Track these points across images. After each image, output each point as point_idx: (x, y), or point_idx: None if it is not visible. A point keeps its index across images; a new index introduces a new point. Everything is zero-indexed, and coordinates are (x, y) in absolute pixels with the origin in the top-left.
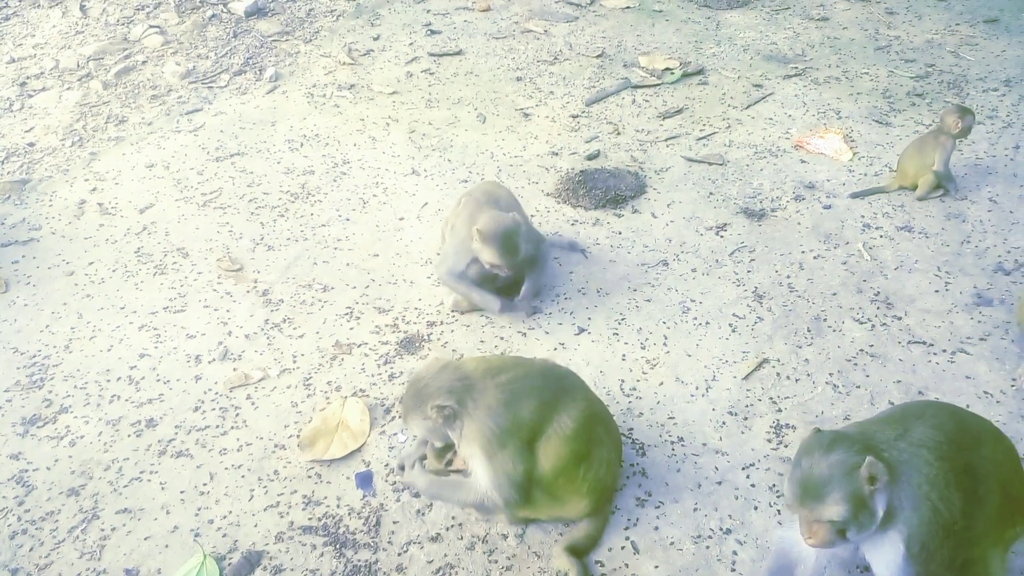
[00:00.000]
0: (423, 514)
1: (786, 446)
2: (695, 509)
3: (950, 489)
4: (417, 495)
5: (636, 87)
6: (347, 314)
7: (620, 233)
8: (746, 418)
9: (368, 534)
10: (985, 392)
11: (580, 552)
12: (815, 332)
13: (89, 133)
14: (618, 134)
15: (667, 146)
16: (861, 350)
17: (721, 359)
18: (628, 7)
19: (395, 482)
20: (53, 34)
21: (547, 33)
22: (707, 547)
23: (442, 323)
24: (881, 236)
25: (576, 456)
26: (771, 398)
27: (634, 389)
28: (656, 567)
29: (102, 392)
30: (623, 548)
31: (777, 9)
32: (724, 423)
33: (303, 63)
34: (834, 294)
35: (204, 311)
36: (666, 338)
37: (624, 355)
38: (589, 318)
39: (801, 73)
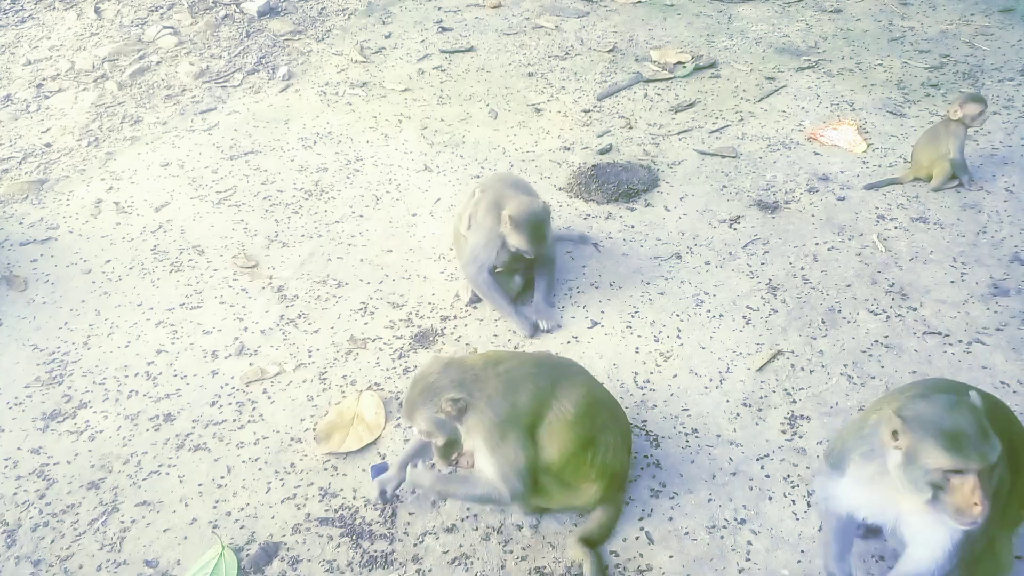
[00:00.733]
0: (438, 506)
1: (800, 437)
2: (709, 500)
3: (1003, 463)
4: (422, 493)
5: (648, 81)
6: (361, 309)
7: (633, 227)
8: (760, 409)
9: (384, 525)
10: (1002, 382)
11: (594, 542)
12: (829, 324)
13: (105, 133)
14: (630, 128)
15: (679, 140)
16: (876, 341)
17: (735, 351)
18: (639, 1)
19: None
20: (68, 36)
21: (558, 28)
22: (721, 537)
23: (455, 317)
24: (896, 227)
25: (581, 441)
26: (785, 389)
27: (648, 381)
28: (671, 557)
29: (120, 387)
30: (637, 538)
31: (789, 1)
32: (738, 414)
33: (315, 62)
34: (848, 285)
35: (220, 307)
36: (680, 331)
37: (638, 348)
38: (602, 311)
39: (814, 65)
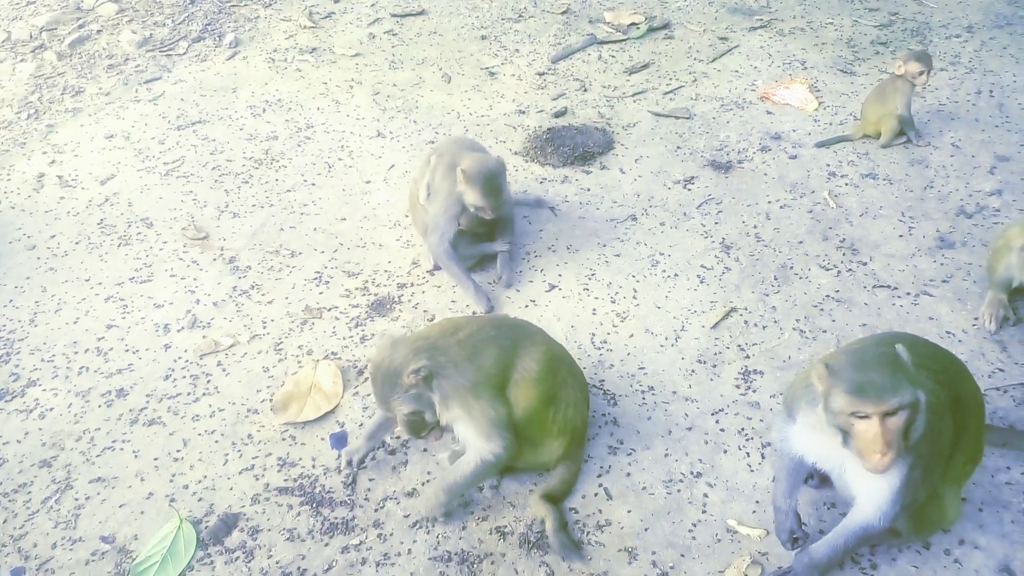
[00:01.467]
0: (398, 471)
1: (754, 391)
2: (666, 455)
3: (944, 417)
4: (439, 510)
5: (602, 43)
6: (316, 279)
7: (589, 190)
8: (715, 366)
9: (345, 492)
10: (948, 332)
11: (555, 499)
12: (782, 280)
13: (45, 105)
14: (585, 91)
15: (634, 101)
16: (827, 296)
17: (690, 310)
18: None
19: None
20: (2, 5)
21: None
22: (678, 490)
23: (413, 285)
24: (846, 184)
25: (545, 397)
26: (739, 345)
27: (605, 342)
28: (629, 511)
29: (70, 364)
30: (596, 495)
31: None
32: (693, 371)
33: (263, 28)
34: (800, 242)
35: (171, 280)
36: (636, 291)
37: (595, 309)
38: (560, 275)
39: (766, 25)
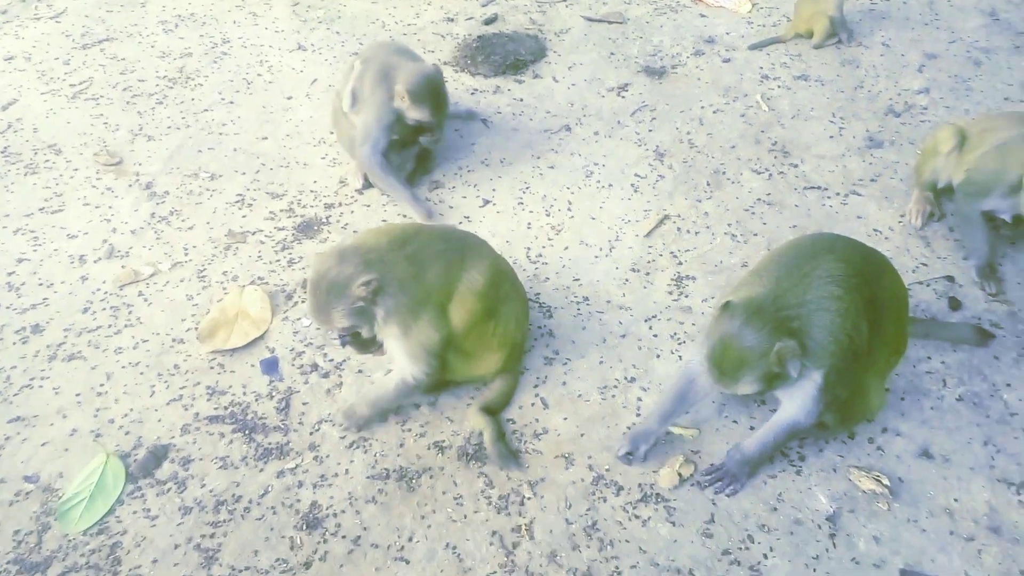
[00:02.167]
0: (333, 393)
1: (687, 296)
2: (600, 362)
3: (859, 319)
4: (358, 421)
5: None
6: (238, 201)
7: (522, 100)
8: (648, 273)
9: (278, 417)
10: (875, 230)
11: (493, 410)
12: (714, 185)
13: None
14: None
15: (566, 7)
16: (759, 199)
17: (624, 219)
18: None
19: (302, 365)
20: None
21: None
22: (613, 396)
23: (341, 204)
24: (779, 86)
25: (487, 311)
26: (672, 252)
27: (540, 255)
28: (565, 419)
29: None
30: (533, 405)
31: None
32: (627, 280)
33: None
34: (733, 147)
35: (84, 209)
36: (570, 203)
37: (530, 223)
38: (493, 189)
39: None
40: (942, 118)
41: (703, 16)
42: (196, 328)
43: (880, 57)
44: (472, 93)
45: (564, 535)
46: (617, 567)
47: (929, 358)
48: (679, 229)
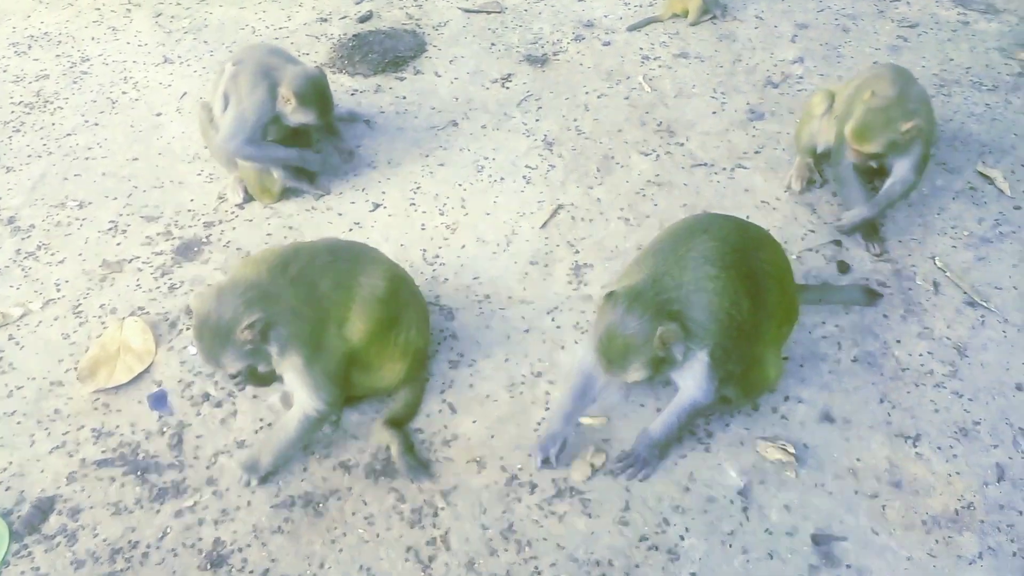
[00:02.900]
0: (228, 422)
1: (586, 284)
2: (506, 360)
3: (739, 295)
4: (261, 471)
5: None
6: (111, 229)
7: (405, 98)
8: (547, 265)
9: (171, 453)
10: (763, 201)
11: (400, 422)
12: (604, 171)
13: None
14: None
15: None
16: (649, 181)
17: (519, 212)
18: None
19: (192, 396)
20: None
21: None
22: (521, 392)
23: (221, 222)
24: (660, 66)
25: (387, 322)
26: (568, 241)
27: (437, 256)
28: (474, 422)
29: None
30: (440, 411)
31: None
32: (527, 273)
33: None
34: (619, 131)
35: None
36: (464, 200)
37: (423, 224)
38: (383, 192)
39: None
40: (817, 85)
41: (581, 0)
42: (75, 368)
43: (755, 30)
44: (352, 94)
45: (481, 541)
46: (536, 567)
47: (824, 323)
48: (573, 218)
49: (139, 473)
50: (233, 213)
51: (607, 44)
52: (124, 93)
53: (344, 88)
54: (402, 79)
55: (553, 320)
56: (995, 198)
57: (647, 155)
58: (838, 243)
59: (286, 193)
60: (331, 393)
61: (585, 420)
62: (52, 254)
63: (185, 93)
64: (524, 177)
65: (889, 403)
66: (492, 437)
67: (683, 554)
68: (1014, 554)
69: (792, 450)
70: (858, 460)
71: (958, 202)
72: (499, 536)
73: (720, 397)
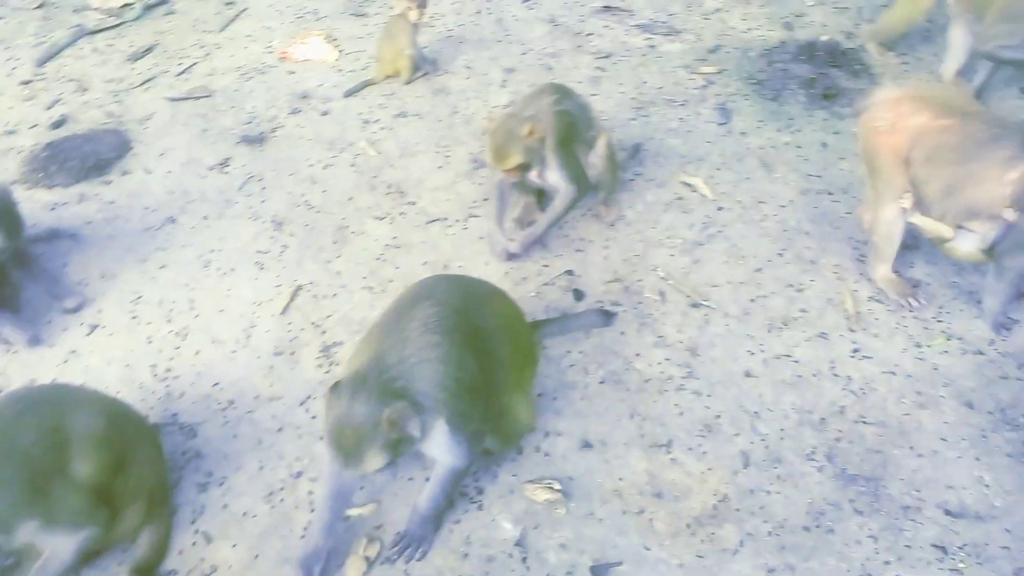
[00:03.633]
0: None
1: (337, 365)
2: (260, 468)
3: (464, 355)
4: None
5: (94, 32)
6: None
7: (113, 202)
8: (293, 352)
9: None
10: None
11: (149, 569)
12: (341, 242)
13: None
14: (84, 91)
15: (145, 91)
16: (387, 245)
17: (255, 302)
18: None
19: None
20: None
21: None
22: (282, 500)
23: None
24: (381, 128)
25: (110, 468)
26: (313, 323)
27: (169, 370)
28: (234, 546)
29: None
30: (194, 544)
31: None
32: (272, 367)
33: None
34: (350, 199)
35: None
36: (192, 301)
37: (150, 337)
38: (99, 310)
39: None
40: None
41: (292, 72)
42: None
43: (466, 80)
44: (52, 209)
45: None
46: None
47: (569, 351)
48: (315, 296)
49: None
50: None
51: (325, 113)
52: None
53: (42, 204)
54: (108, 183)
55: (307, 411)
56: (699, 203)
57: (381, 219)
58: (570, 272)
59: None
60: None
61: (353, 512)
62: None
63: None
64: (257, 263)
65: (639, 416)
66: (256, 558)
67: None
68: (769, 534)
69: (558, 487)
70: (620, 480)
71: (669, 213)
72: None
73: (482, 451)
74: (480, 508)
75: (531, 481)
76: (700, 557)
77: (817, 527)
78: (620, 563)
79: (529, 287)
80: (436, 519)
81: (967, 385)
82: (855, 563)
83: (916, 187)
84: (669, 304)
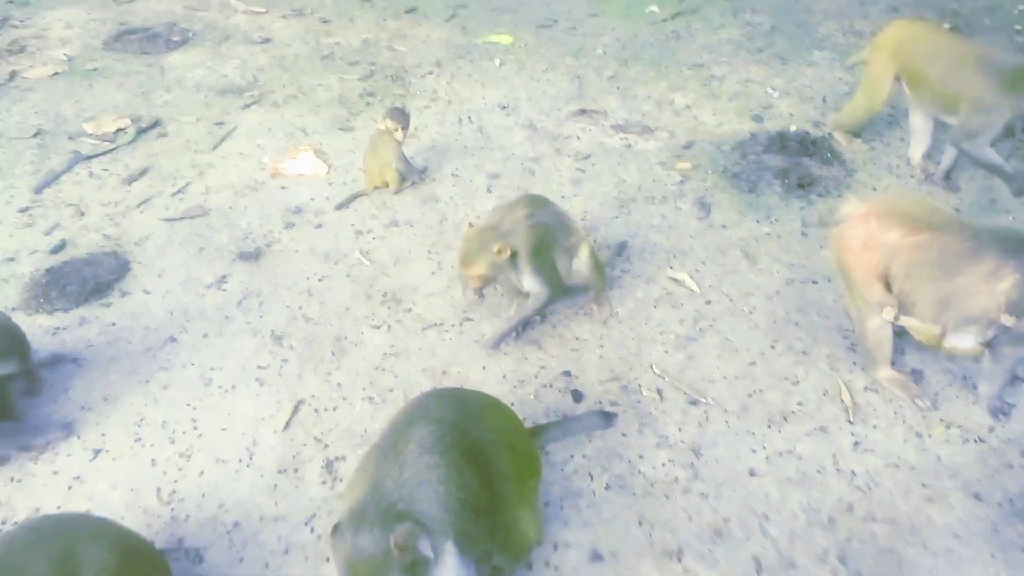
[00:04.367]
0: None
1: (341, 480)
2: None
3: (463, 474)
4: None
5: (90, 158)
6: None
7: (114, 324)
8: (296, 470)
9: None
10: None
11: None
12: (339, 353)
13: None
14: (82, 215)
15: (141, 212)
16: (385, 353)
17: (257, 419)
18: (56, 72)
19: None
20: None
21: None
22: None
23: None
24: (374, 238)
25: None
26: (315, 437)
27: (174, 492)
28: None
29: None
30: None
31: (219, 40)
32: (276, 485)
33: None
34: (347, 309)
35: None
36: (195, 421)
37: (154, 459)
38: (103, 434)
39: (259, 100)
40: None
41: (284, 188)
42: None
43: (454, 187)
44: (54, 333)
45: None
46: None
47: (572, 456)
48: (316, 410)
49: None
50: None
51: (319, 226)
52: None
53: (44, 329)
54: (108, 305)
55: (312, 531)
56: (688, 297)
57: (378, 328)
58: (567, 373)
59: None
60: None
61: None
62: None
63: None
64: (257, 379)
65: (648, 523)
66: None
67: None
68: None
69: None
70: None
71: (660, 309)
72: None
73: (491, 570)
74: None
75: None
76: None
77: None
78: None
79: (527, 389)
80: None
81: (972, 476)
82: None
83: (903, 299)
84: (668, 402)
